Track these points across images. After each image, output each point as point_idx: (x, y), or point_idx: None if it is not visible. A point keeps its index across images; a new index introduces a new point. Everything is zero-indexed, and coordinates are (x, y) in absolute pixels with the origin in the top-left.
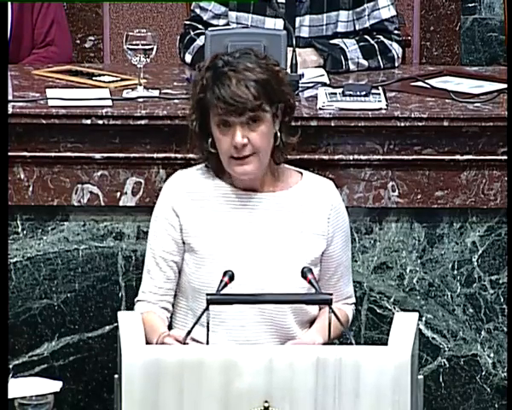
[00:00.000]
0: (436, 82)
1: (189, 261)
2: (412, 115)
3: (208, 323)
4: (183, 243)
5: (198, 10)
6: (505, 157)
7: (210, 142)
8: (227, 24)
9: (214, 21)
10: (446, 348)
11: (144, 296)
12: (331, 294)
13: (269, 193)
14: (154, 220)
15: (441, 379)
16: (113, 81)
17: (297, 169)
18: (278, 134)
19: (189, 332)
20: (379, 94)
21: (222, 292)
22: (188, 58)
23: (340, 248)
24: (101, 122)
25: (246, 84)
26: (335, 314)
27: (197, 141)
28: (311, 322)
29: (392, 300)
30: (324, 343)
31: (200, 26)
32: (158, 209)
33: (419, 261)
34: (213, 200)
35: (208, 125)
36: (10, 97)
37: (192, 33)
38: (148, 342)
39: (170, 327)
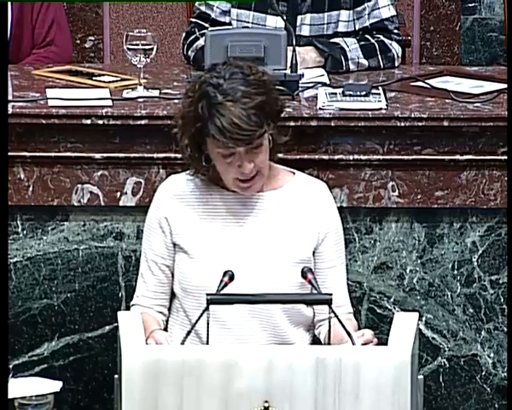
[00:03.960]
0: (436, 82)
1: (179, 262)
2: (412, 115)
3: (208, 323)
4: (174, 245)
5: (203, 8)
6: (505, 157)
7: (203, 157)
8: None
9: (222, 18)
10: (446, 348)
11: (138, 300)
12: (331, 294)
13: (259, 193)
14: (146, 225)
15: (441, 379)
16: (113, 81)
17: (289, 169)
18: (270, 137)
19: (188, 332)
20: (379, 94)
21: (222, 292)
22: (190, 56)
23: (331, 249)
24: (101, 122)
25: (247, 113)
26: (336, 315)
27: (189, 159)
28: (306, 324)
29: (392, 300)
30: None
31: (206, 25)
32: (149, 214)
33: (419, 261)
34: (202, 201)
35: (202, 146)
36: (10, 97)
37: (197, 32)
38: None
39: (166, 329)
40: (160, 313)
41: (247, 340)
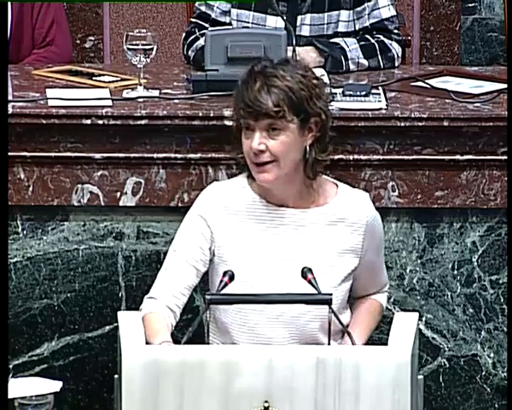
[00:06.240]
0: (436, 82)
1: (219, 270)
2: (412, 115)
3: (208, 323)
4: (213, 254)
5: (203, 8)
6: (505, 157)
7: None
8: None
9: (222, 19)
10: (446, 348)
11: (154, 294)
12: (331, 294)
13: (302, 209)
14: (185, 226)
15: (441, 379)
16: (113, 81)
17: (333, 181)
18: (308, 149)
19: (189, 333)
20: (379, 94)
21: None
22: (190, 56)
23: (372, 259)
24: (101, 122)
25: (269, 89)
26: (335, 314)
27: (237, 145)
28: (335, 326)
29: (392, 300)
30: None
31: (206, 25)
32: (190, 216)
33: (419, 261)
34: (246, 214)
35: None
36: (10, 97)
37: (197, 32)
38: (147, 342)
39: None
40: (171, 309)
41: (276, 343)
